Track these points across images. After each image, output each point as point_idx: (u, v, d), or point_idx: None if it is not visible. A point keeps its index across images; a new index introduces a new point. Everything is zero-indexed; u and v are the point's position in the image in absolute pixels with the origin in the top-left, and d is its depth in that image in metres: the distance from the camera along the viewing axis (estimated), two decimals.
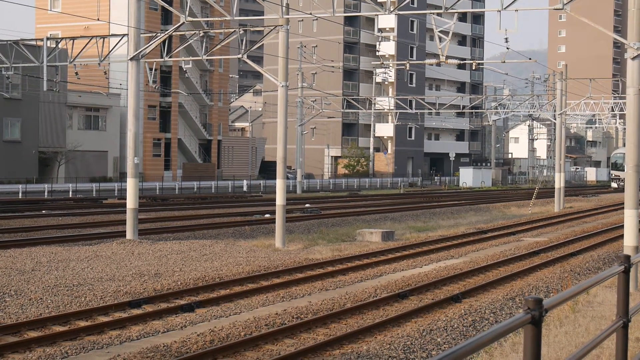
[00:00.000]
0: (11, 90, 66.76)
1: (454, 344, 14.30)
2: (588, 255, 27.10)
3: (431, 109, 74.82)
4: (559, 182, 53.90)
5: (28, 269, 21.90)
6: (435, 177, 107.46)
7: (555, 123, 58.84)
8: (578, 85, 72.73)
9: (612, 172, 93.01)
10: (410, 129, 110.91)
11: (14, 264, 22.72)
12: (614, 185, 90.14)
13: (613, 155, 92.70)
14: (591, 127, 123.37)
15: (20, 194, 56.42)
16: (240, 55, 32.05)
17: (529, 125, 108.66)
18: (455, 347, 3.85)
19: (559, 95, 55.56)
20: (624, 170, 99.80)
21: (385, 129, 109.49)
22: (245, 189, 73.39)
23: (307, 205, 50.84)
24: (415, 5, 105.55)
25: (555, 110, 59.25)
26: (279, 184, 30.04)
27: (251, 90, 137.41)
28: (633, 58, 19.73)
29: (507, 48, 36.75)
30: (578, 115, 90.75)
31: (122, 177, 69.75)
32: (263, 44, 37.99)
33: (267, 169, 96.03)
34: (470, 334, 15.10)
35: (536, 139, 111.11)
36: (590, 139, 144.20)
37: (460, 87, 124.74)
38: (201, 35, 35.75)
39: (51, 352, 13.33)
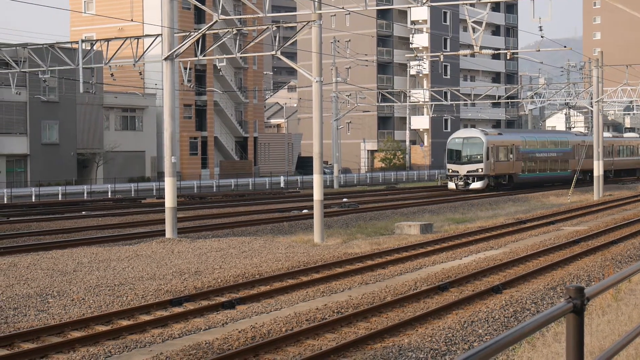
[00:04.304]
0: (48, 94, 67.33)
1: (496, 334, 14.23)
2: (629, 243, 26.87)
3: (466, 100, 74.46)
4: (598, 170, 53.48)
5: (70, 270, 22.11)
6: None
7: (592, 111, 58.31)
8: (614, 71, 72.03)
9: (448, 166, 63.26)
10: (446, 120, 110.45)
11: (56, 265, 22.95)
12: (451, 185, 62.19)
13: (449, 143, 63.60)
14: (629, 114, 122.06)
15: (60, 196, 56.89)
16: (273, 52, 32.08)
17: (565, 114, 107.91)
18: (498, 337, 3.84)
19: (596, 82, 55.08)
20: (464, 163, 69.58)
21: (421, 122, 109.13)
22: (282, 185, 73.49)
23: (344, 199, 50.84)
24: None
25: (592, 98, 58.76)
26: (316, 179, 30.05)
27: (286, 87, 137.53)
28: None
29: (542, 36, 36.42)
30: (615, 102, 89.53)
31: (160, 176, 70.16)
32: (296, 40, 38.04)
33: (304, 165, 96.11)
34: (511, 325, 15.04)
35: (573, 127, 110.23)
36: (628, 126, 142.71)
37: (495, 77, 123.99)
38: (234, 33, 35.86)
39: (94, 351, 13.45)
